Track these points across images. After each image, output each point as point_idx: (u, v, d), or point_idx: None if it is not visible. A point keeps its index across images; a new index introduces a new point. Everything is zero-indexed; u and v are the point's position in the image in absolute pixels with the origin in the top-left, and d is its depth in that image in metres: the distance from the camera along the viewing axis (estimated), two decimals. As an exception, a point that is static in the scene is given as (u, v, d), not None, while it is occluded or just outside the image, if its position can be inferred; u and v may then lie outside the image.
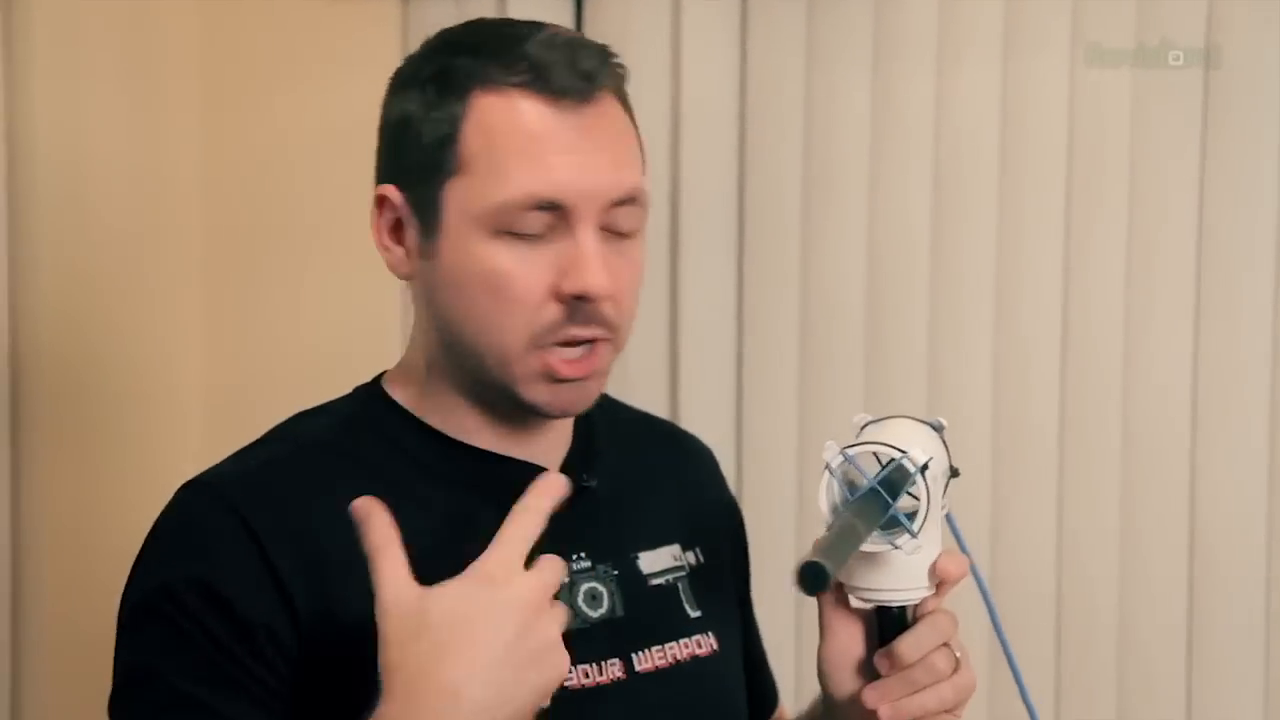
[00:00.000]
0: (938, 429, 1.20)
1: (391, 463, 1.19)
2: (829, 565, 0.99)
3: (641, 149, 1.21)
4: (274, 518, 1.13)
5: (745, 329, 2.05)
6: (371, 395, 1.25)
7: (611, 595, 1.22)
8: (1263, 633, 1.98)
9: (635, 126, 1.20)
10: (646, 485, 1.31)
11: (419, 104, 1.16)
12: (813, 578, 0.99)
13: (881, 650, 1.16)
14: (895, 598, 1.15)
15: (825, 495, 1.12)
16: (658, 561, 1.28)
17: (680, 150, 2.02)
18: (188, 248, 2.01)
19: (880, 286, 2.01)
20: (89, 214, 1.85)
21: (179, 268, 2.00)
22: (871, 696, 1.16)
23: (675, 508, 1.33)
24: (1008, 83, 1.98)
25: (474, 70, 1.14)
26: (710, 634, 1.28)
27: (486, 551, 1.02)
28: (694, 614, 1.28)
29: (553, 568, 1.03)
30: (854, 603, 1.17)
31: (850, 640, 1.19)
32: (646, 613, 1.24)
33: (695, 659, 1.26)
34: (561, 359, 1.15)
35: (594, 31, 2.01)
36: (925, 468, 1.10)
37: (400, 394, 1.23)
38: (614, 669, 1.20)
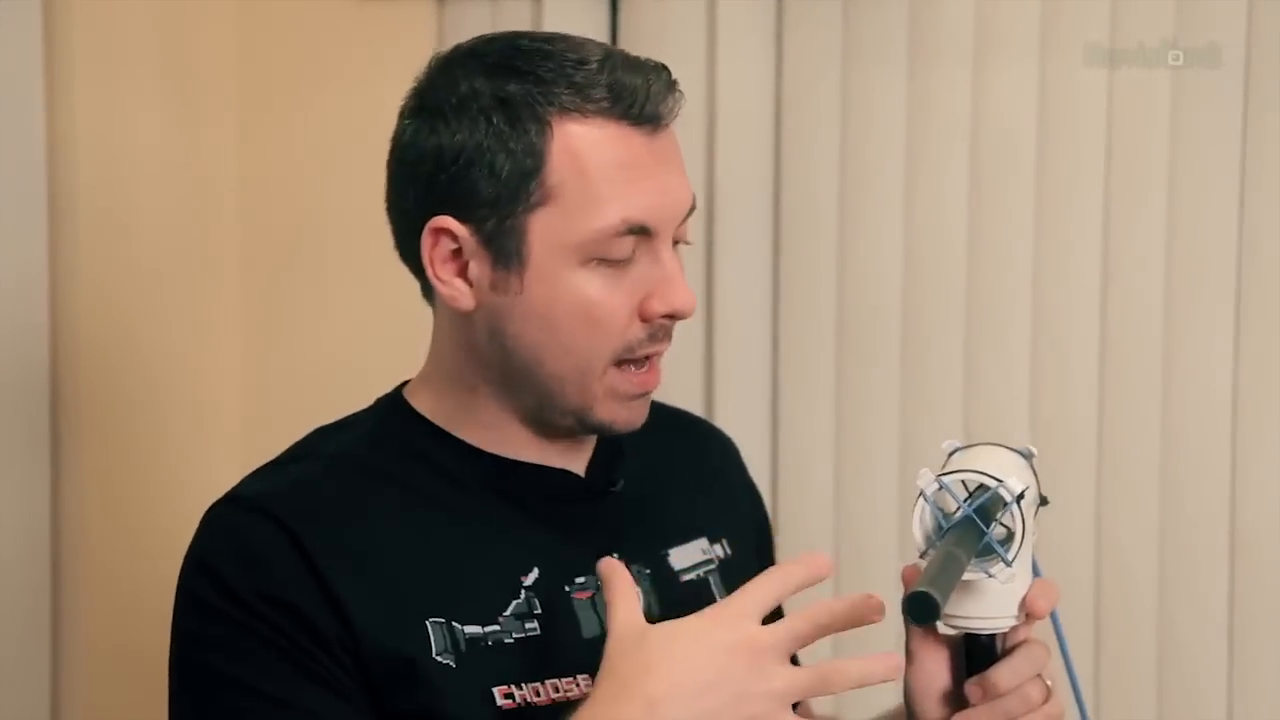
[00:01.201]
0: (1027, 457, 1.18)
1: (419, 476, 1.20)
2: (938, 595, 0.99)
3: None
4: (320, 536, 1.13)
5: (781, 330, 2.04)
6: (394, 408, 1.25)
7: (646, 594, 1.23)
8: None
9: None
10: (670, 480, 1.32)
11: (485, 133, 1.13)
12: (923, 608, 0.99)
13: (974, 679, 1.14)
14: (986, 625, 1.13)
15: (919, 522, 1.11)
16: (688, 556, 1.28)
17: (716, 151, 2.01)
18: (225, 253, 2.02)
19: (917, 287, 2.00)
20: (127, 220, 1.86)
21: (216, 273, 2.01)
22: None
23: (699, 500, 1.33)
24: (1045, 83, 1.97)
25: (547, 97, 1.12)
26: None
27: (728, 597, 1.05)
28: None
29: (791, 632, 1.03)
30: (943, 630, 1.15)
31: (937, 668, 1.17)
32: (681, 609, 1.23)
33: None
34: (633, 376, 1.17)
35: (630, 32, 2.01)
36: (1021, 496, 1.09)
37: (427, 408, 1.23)
38: None
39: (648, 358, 1.17)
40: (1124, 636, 1.99)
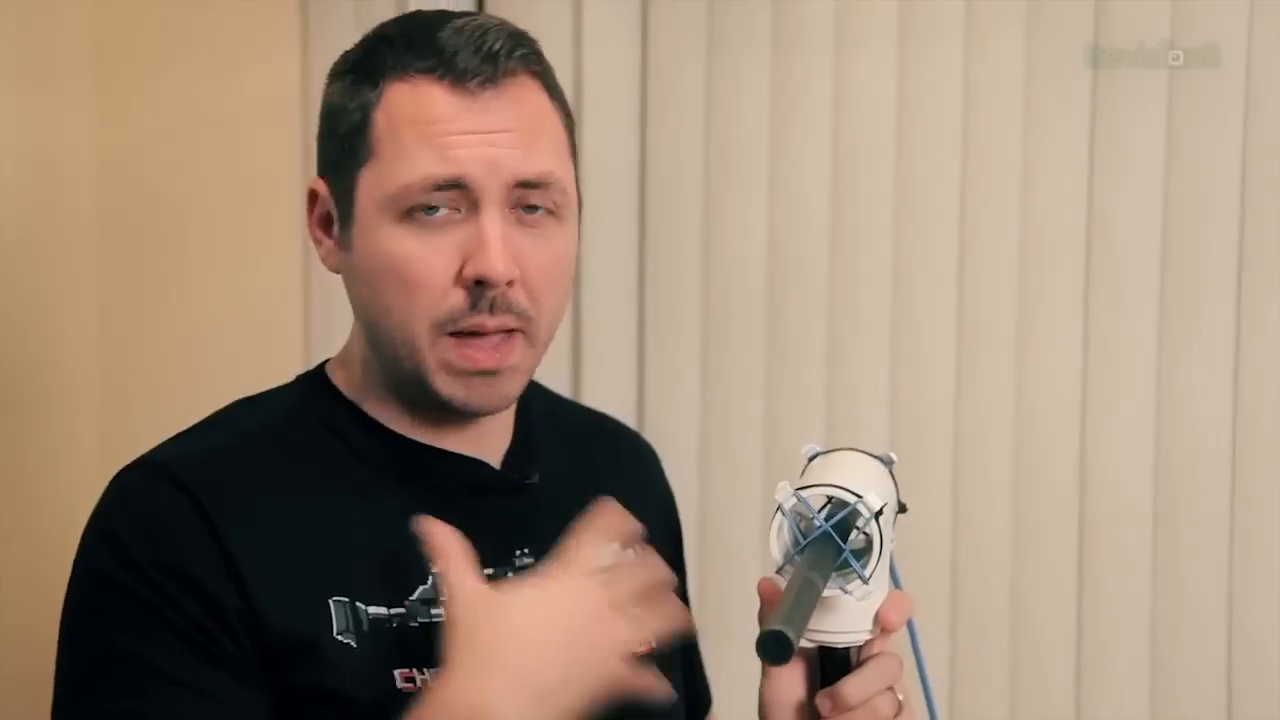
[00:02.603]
0: (888, 464, 1.18)
1: (337, 455, 1.19)
2: (792, 633, 0.97)
3: (571, 136, 1.21)
4: (227, 506, 1.12)
5: (647, 314, 2.05)
6: (315, 384, 1.24)
7: None
8: (1149, 625, 2.01)
9: (562, 112, 1.20)
10: (588, 481, 1.30)
11: (340, 95, 1.17)
12: (776, 647, 0.97)
13: (824, 690, 1.13)
14: (840, 639, 1.12)
15: (776, 536, 1.09)
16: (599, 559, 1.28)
17: (582, 136, 2.00)
18: (82, 233, 1.98)
19: (780, 272, 2.03)
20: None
21: (74, 254, 1.97)
22: None
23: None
24: (904, 69, 2.00)
25: (389, 60, 1.15)
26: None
27: (563, 555, 1.07)
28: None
29: (621, 581, 1.06)
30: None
31: (792, 681, 1.16)
32: None
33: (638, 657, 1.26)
34: (471, 349, 1.14)
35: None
36: (880, 513, 1.08)
37: (343, 383, 1.23)
38: None
39: (480, 332, 1.14)
40: (978, 634, 2.03)
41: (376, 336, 1.17)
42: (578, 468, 1.31)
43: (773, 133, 2.02)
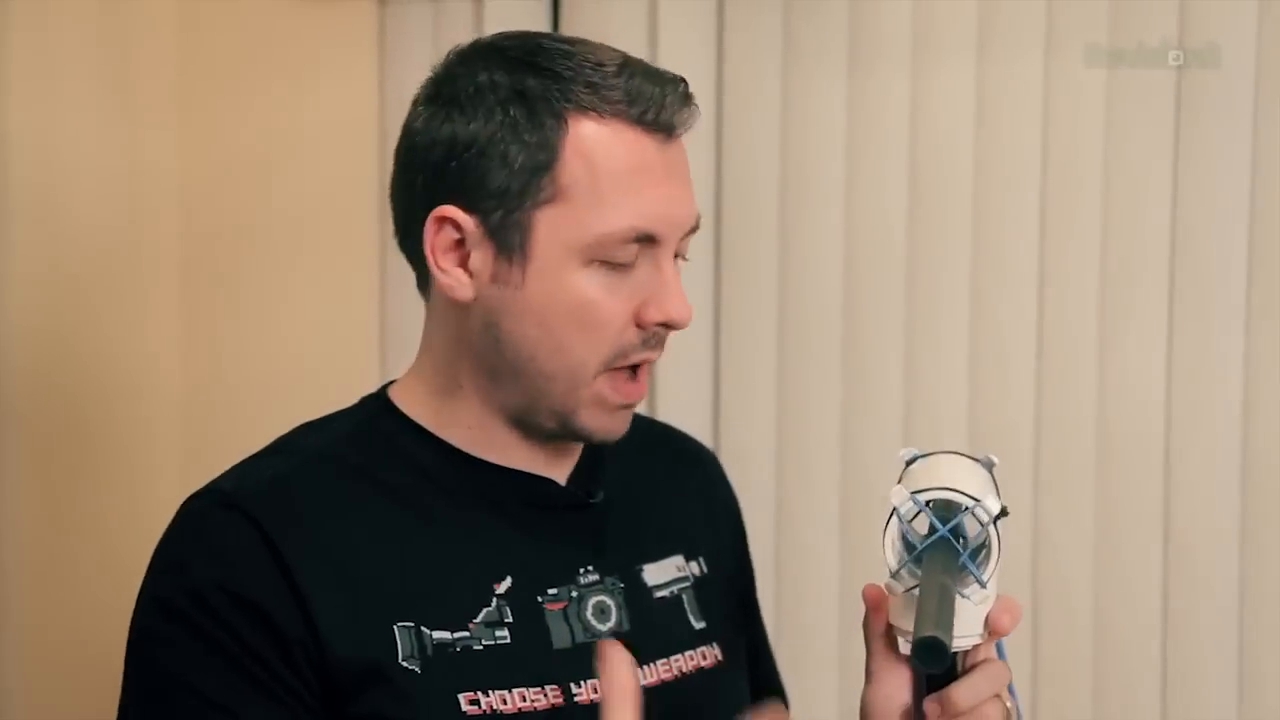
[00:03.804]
0: (988, 466, 1.16)
1: (400, 476, 1.19)
2: (946, 638, 0.97)
3: None
4: (293, 534, 1.13)
5: (723, 332, 2.05)
6: (379, 407, 1.24)
7: (619, 609, 1.22)
8: (1236, 635, 1.98)
9: None
10: (650, 495, 1.31)
11: (500, 124, 1.13)
12: (933, 653, 0.97)
13: (932, 696, 1.11)
14: (953, 644, 1.09)
15: (890, 541, 1.09)
16: (662, 573, 1.28)
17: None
18: (164, 253, 2.00)
19: (857, 288, 2.02)
20: (64, 220, 1.84)
21: (156, 274, 1.99)
22: None
23: (679, 517, 1.33)
24: (983, 84, 1.98)
25: (565, 93, 1.13)
26: (715, 645, 1.28)
27: None
28: (698, 625, 1.28)
29: None
30: (903, 648, 1.13)
31: (897, 686, 1.15)
32: (652, 626, 1.24)
33: (700, 671, 1.26)
34: (629, 384, 1.18)
35: (571, 32, 2.00)
36: (998, 516, 1.07)
37: (411, 407, 1.22)
38: None
39: (638, 366, 1.18)
40: (1061, 638, 2.01)
41: (526, 369, 1.17)
42: (640, 482, 1.31)
43: (849, 146, 2.01)
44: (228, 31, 2.01)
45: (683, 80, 1.18)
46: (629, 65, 1.15)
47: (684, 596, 1.28)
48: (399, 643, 1.12)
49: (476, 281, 1.16)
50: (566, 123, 1.13)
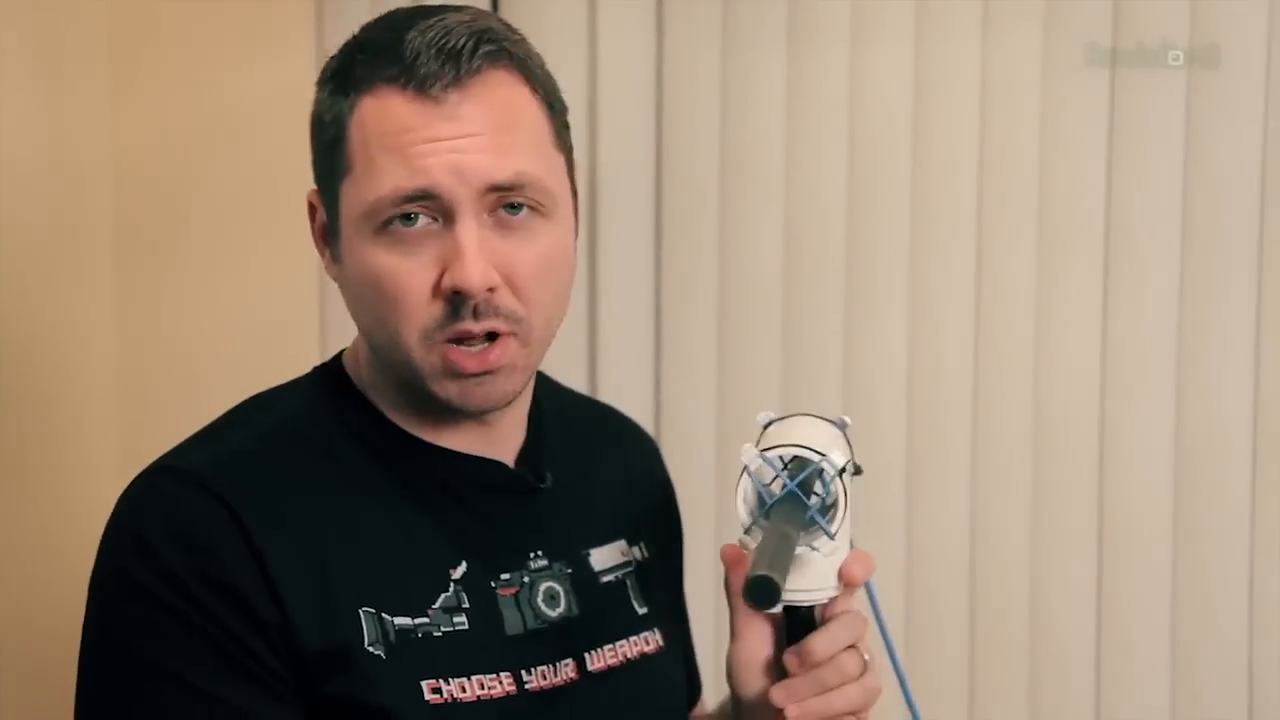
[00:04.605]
0: (841, 427, 1.19)
1: (354, 456, 1.18)
2: (778, 578, 0.99)
3: (557, 125, 1.17)
4: (259, 513, 1.11)
5: (663, 311, 2.05)
6: (331, 379, 1.23)
7: (567, 594, 1.22)
8: (1168, 613, 2.01)
9: (544, 102, 1.16)
10: (595, 478, 1.31)
11: (320, 106, 1.16)
12: (765, 591, 0.99)
13: (791, 648, 1.14)
14: (805, 598, 1.13)
15: (742, 497, 1.11)
16: (607, 558, 1.28)
17: (598, 132, 2.02)
18: (99, 234, 1.98)
19: (797, 267, 2.03)
20: (-4, 203, 1.82)
21: (91, 255, 1.97)
22: (779, 695, 1.14)
23: (621, 501, 1.32)
24: (921, 62, 1.99)
25: (359, 70, 1.13)
26: (656, 630, 1.29)
27: None
28: (641, 610, 1.28)
29: None
30: None
31: (760, 642, 1.18)
32: (598, 611, 1.24)
33: (644, 656, 1.26)
34: (459, 354, 1.12)
35: (510, 14, 2.00)
36: (843, 470, 1.10)
37: (357, 377, 1.22)
38: (567, 670, 1.20)
39: (475, 336, 1.12)
40: (996, 625, 2.03)
41: (374, 344, 1.17)
42: (584, 465, 1.30)
43: (789, 128, 2.01)
44: (162, 11, 1.99)
45: (481, 26, 1.13)
46: (423, 25, 1.12)
47: (628, 581, 1.29)
48: (365, 627, 1.11)
49: (332, 261, 1.18)
50: (351, 98, 1.13)
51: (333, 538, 1.13)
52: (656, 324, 2.06)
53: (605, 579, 1.27)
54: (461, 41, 1.11)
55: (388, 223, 1.11)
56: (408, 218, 1.10)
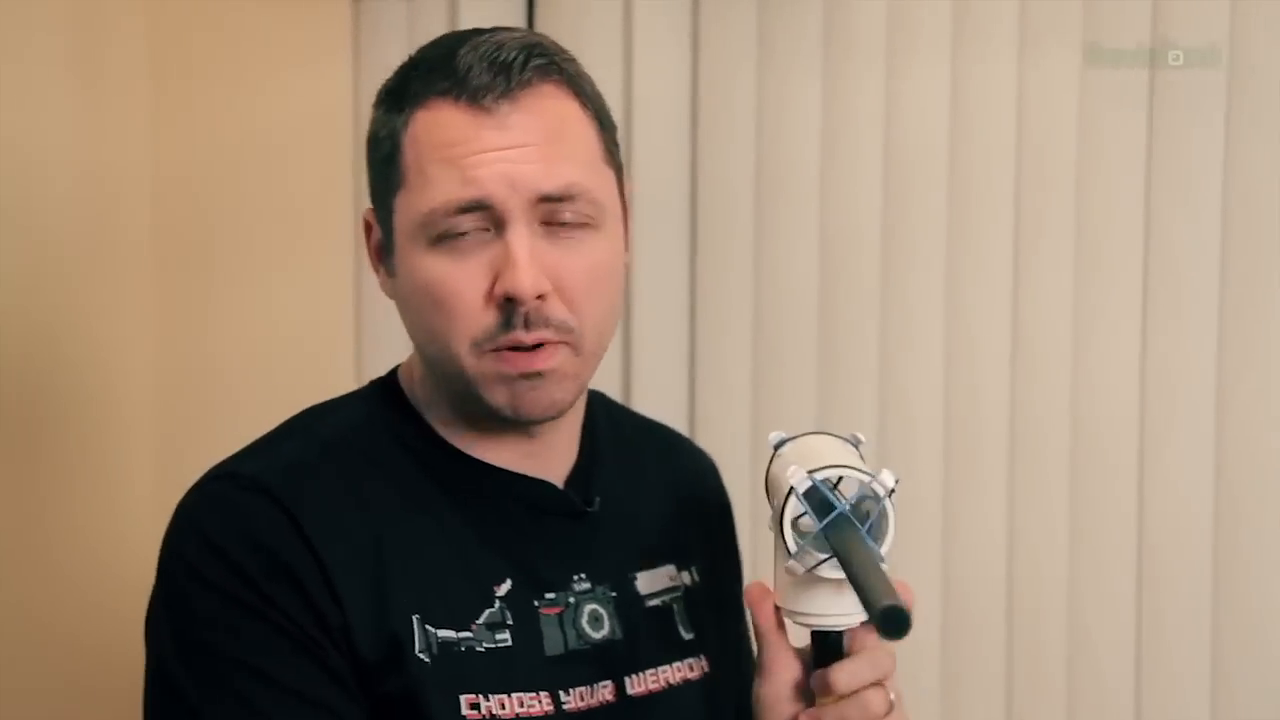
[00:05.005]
0: (855, 444, 1.17)
1: (406, 470, 1.19)
2: (901, 603, 0.97)
3: (607, 140, 1.20)
4: (319, 521, 1.13)
5: (698, 327, 2.05)
6: (385, 393, 1.24)
7: (610, 617, 1.22)
8: (1209, 626, 2.00)
9: (594, 117, 1.19)
10: (646, 502, 1.30)
11: (376, 124, 1.18)
12: (899, 619, 0.97)
13: (817, 672, 1.13)
14: (838, 623, 1.11)
15: (790, 523, 1.09)
16: (655, 582, 1.27)
17: (633, 148, 2.02)
18: (138, 248, 1.99)
19: (832, 285, 2.02)
20: (38, 215, 1.83)
21: (130, 269, 1.98)
22: None
23: (673, 525, 1.32)
24: (958, 81, 1.99)
25: (414, 87, 1.15)
26: (702, 656, 1.28)
27: None
28: (687, 636, 1.27)
29: None
30: (789, 625, 1.15)
31: (788, 678, 1.16)
32: (642, 635, 1.24)
33: (686, 683, 1.26)
34: (510, 355, 1.14)
35: (546, 31, 2.00)
36: (892, 491, 1.08)
37: (411, 393, 1.23)
38: (605, 692, 1.20)
39: (527, 347, 1.13)
40: (1034, 636, 2.02)
41: (427, 358, 1.18)
42: (636, 487, 1.30)
43: (824, 143, 2.01)
44: (201, 26, 2.00)
45: (531, 40, 1.16)
46: (473, 42, 1.15)
47: (675, 606, 1.28)
48: (415, 633, 1.13)
49: (387, 277, 1.20)
50: (405, 114, 1.15)
51: (385, 549, 1.14)
52: (691, 341, 2.06)
53: (651, 603, 1.26)
54: (513, 55, 1.13)
55: (441, 234, 1.12)
56: (461, 232, 1.12)
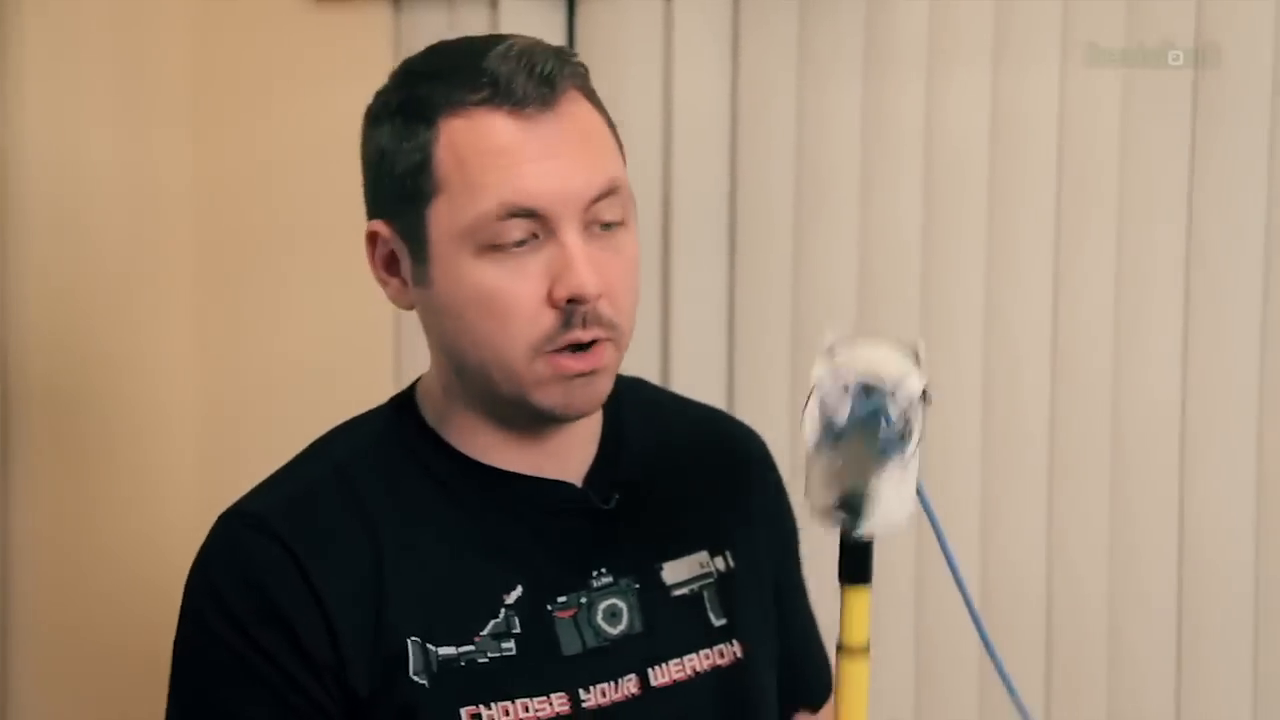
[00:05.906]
0: (914, 352, 1.15)
1: (416, 485, 1.21)
2: (862, 493, 1.00)
3: (616, 136, 1.22)
4: (318, 553, 1.16)
5: (737, 338, 2.05)
6: (401, 409, 1.26)
7: (631, 610, 1.23)
8: (1251, 636, 1.98)
9: (605, 116, 1.21)
10: (679, 485, 1.31)
11: (390, 137, 1.18)
12: (852, 509, 0.99)
13: None
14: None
15: (811, 419, 1.09)
16: (683, 571, 1.28)
17: (672, 156, 2.02)
18: (180, 260, 2.00)
19: (872, 294, 2.01)
20: (81, 228, 1.85)
21: (171, 281, 2.00)
22: None
23: (708, 510, 1.32)
24: (998, 89, 1.98)
25: (439, 96, 1.16)
26: (734, 642, 1.28)
27: None
28: (718, 623, 1.28)
29: None
30: (816, 519, 1.11)
31: None
32: (667, 625, 1.24)
33: (716, 670, 1.26)
34: (569, 357, 1.16)
35: (586, 38, 2.01)
36: (923, 395, 1.08)
37: (428, 404, 1.25)
38: (629, 685, 1.21)
39: (580, 346, 1.16)
40: (1074, 639, 2.01)
41: (466, 365, 1.19)
42: (667, 473, 1.30)
43: (864, 154, 2.00)
44: (243, 40, 2.02)
45: (556, 49, 1.18)
46: (499, 51, 1.16)
47: (705, 594, 1.28)
48: (411, 657, 1.15)
49: (409, 287, 1.20)
50: (437, 124, 1.15)
51: (390, 570, 1.16)
52: (730, 351, 2.05)
53: (678, 592, 1.27)
54: (549, 65, 1.15)
55: (490, 241, 1.14)
56: (516, 240, 1.14)
